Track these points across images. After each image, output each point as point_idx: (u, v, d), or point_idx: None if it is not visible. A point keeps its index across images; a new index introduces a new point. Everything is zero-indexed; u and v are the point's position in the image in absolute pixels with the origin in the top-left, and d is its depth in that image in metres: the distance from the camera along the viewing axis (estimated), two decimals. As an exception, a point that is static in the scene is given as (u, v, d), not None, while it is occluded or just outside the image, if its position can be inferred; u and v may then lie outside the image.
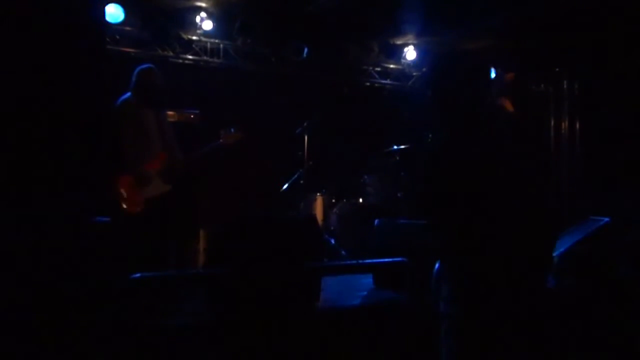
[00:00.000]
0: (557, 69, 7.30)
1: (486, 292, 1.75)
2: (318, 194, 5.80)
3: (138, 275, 2.39)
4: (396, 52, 7.02)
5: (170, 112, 4.73)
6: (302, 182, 5.88)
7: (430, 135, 6.25)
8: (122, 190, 3.65)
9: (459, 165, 1.82)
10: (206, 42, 6.32)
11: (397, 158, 5.95)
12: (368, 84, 7.44)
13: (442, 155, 1.89)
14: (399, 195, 5.80)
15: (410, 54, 6.98)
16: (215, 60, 6.41)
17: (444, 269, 1.92)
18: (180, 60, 6.24)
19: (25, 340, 1.82)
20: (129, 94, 3.79)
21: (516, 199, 1.79)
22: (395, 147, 5.94)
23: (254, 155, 6.08)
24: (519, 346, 1.78)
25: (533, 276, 1.80)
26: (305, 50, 6.44)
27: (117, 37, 5.82)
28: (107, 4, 5.32)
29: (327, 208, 5.78)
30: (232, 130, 4.09)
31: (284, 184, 5.97)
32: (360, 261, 3.53)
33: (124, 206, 3.63)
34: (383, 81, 7.50)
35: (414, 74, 7.52)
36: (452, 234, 1.83)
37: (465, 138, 1.87)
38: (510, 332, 1.77)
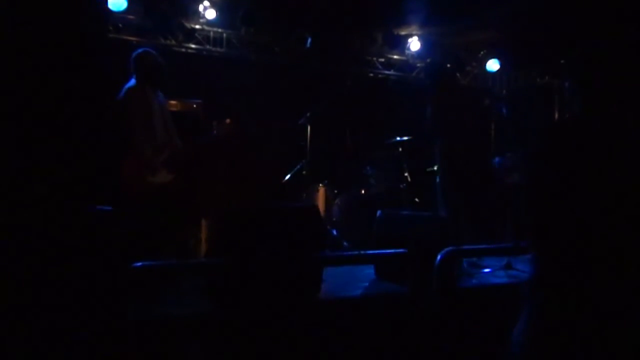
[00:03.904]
0: (562, 61, 7.24)
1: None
2: (320, 184, 5.79)
3: (140, 264, 2.39)
4: (400, 43, 6.96)
5: (172, 102, 4.72)
6: (304, 172, 5.86)
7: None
8: (127, 177, 3.65)
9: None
10: (209, 31, 6.28)
11: (400, 149, 5.93)
12: (371, 74, 7.40)
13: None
14: (401, 186, 5.79)
15: (414, 44, 6.93)
16: (218, 49, 6.37)
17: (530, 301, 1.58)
18: (183, 50, 6.21)
19: (24, 333, 1.83)
20: (133, 81, 3.79)
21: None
22: (398, 138, 5.92)
23: (250, 144, 6.07)
24: None
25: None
26: (309, 40, 6.40)
27: (120, 25, 5.79)
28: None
29: (329, 199, 5.77)
30: (225, 120, 4.09)
31: (287, 175, 5.96)
32: (362, 252, 3.53)
33: (128, 192, 3.64)
34: (387, 72, 7.45)
35: (418, 64, 7.47)
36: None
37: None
38: None
